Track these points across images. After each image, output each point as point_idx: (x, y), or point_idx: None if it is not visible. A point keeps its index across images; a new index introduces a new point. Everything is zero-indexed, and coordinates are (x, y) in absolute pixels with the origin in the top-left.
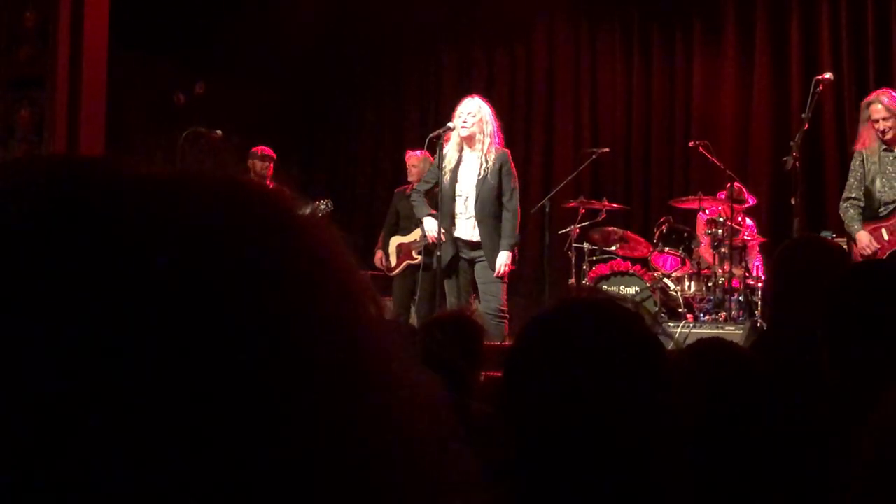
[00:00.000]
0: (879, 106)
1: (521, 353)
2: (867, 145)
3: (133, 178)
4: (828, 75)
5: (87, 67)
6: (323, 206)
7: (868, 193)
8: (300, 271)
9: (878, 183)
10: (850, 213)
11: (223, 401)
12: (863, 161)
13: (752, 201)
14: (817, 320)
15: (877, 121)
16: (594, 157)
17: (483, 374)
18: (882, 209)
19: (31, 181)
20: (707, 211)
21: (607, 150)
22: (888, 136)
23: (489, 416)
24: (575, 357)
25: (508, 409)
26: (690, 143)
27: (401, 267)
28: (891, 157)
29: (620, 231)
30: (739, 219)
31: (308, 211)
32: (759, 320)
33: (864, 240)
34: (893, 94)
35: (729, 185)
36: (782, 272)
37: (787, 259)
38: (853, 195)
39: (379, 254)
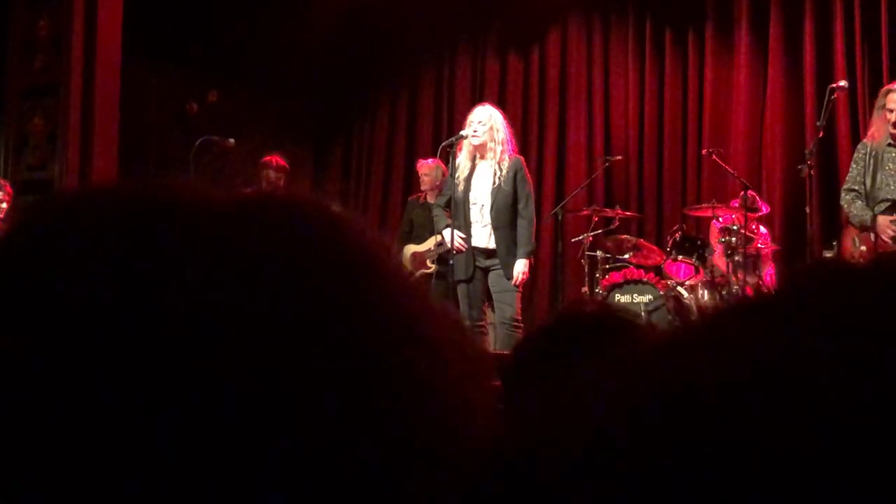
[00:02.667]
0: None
1: (517, 367)
2: (877, 138)
3: (201, 213)
4: (842, 83)
5: (100, 76)
6: None
7: (866, 189)
8: (363, 293)
9: (877, 179)
10: (857, 203)
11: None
12: (866, 153)
13: (765, 209)
14: None
15: (891, 110)
16: (607, 164)
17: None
18: (877, 207)
19: (107, 220)
20: (721, 219)
21: (620, 157)
22: (893, 129)
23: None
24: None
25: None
26: (704, 151)
27: (415, 276)
28: (892, 154)
29: (634, 239)
30: (753, 227)
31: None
32: None
33: (884, 224)
34: None
35: (742, 193)
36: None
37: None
38: (857, 187)
39: None
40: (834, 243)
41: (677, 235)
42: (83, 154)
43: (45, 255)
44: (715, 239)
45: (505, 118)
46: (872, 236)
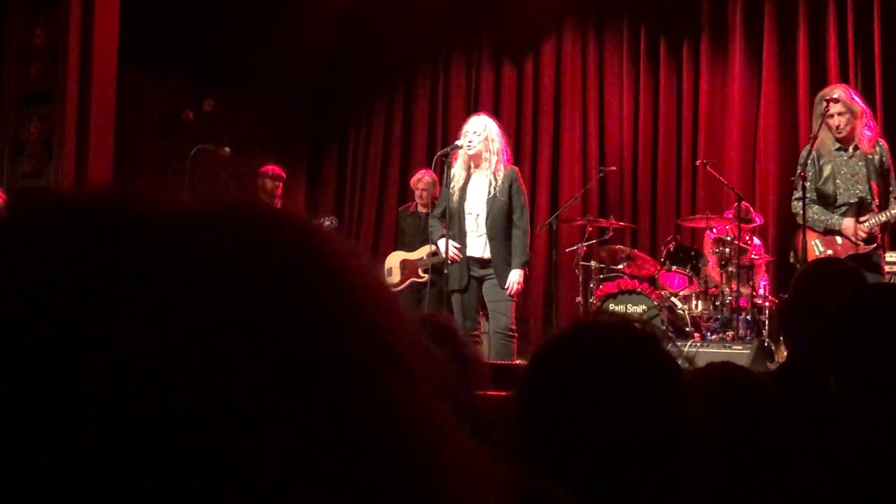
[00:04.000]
0: (838, 105)
1: (537, 375)
2: (820, 142)
3: (169, 219)
4: (836, 95)
5: (96, 84)
6: (327, 223)
7: (822, 195)
8: (332, 304)
9: (832, 185)
10: (815, 207)
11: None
12: (814, 160)
13: (758, 220)
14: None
15: (832, 115)
16: (602, 175)
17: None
18: (835, 210)
19: (65, 226)
20: (714, 230)
21: (614, 168)
22: (842, 133)
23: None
24: (592, 379)
25: (521, 430)
26: (698, 162)
27: (405, 284)
28: (845, 158)
29: (628, 249)
30: (746, 238)
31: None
32: (767, 340)
33: (852, 226)
34: (851, 90)
35: (736, 204)
36: (798, 296)
37: (804, 283)
38: (809, 194)
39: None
40: (791, 251)
41: (671, 246)
42: (79, 162)
43: None
44: (709, 250)
45: (500, 128)
46: (838, 239)
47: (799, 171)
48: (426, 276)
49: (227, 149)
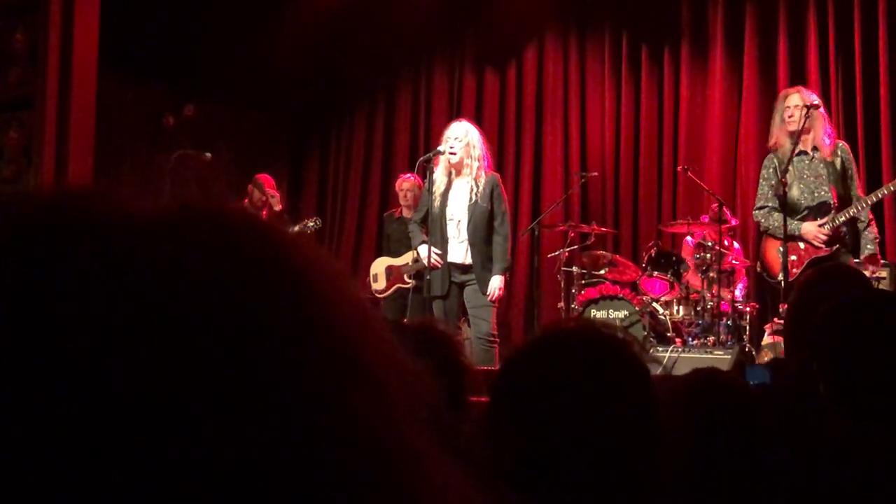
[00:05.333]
0: (796, 96)
1: (508, 380)
2: (777, 145)
3: (118, 220)
4: (815, 101)
5: (76, 90)
6: (311, 224)
7: (783, 200)
8: (292, 305)
9: (795, 190)
10: (774, 215)
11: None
12: (776, 168)
13: (734, 221)
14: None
15: (787, 107)
16: (583, 180)
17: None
18: (798, 216)
19: (11, 224)
20: (692, 234)
21: (596, 174)
22: (791, 126)
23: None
24: (561, 384)
25: (495, 435)
26: (679, 168)
27: (391, 290)
28: (806, 162)
29: (609, 255)
30: (725, 242)
31: (296, 229)
32: (748, 345)
33: (813, 230)
34: (812, 94)
35: (715, 205)
36: (798, 303)
37: (808, 288)
38: (770, 204)
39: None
40: (758, 260)
41: (653, 251)
42: (58, 168)
43: None
44: (689, 255)
45: (481, 134)
46: (801, 244)
47: (772, 181)
48: (412, 282)
49: (208, 154)
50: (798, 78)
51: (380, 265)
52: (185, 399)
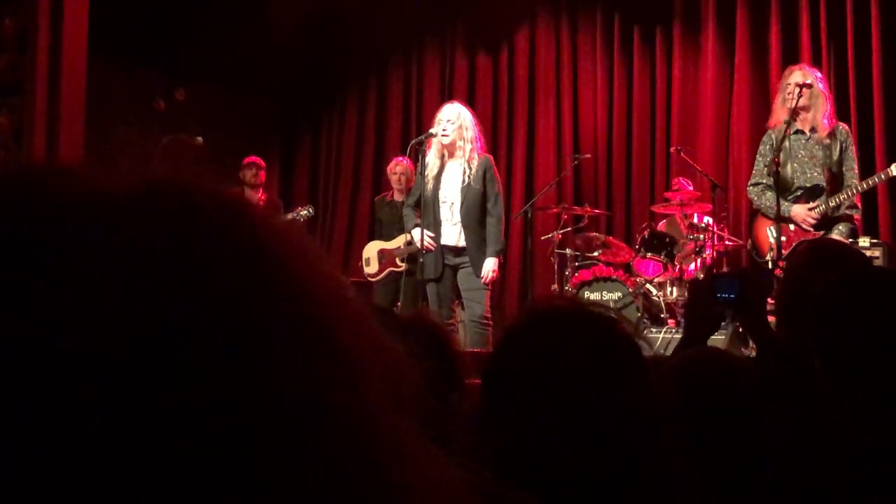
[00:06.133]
0: (798, 73)
1: (500, 361)
2: (777, 123)
3: (83, 195)
4: (808, 81)
5: (66, 74)
6: (304, 213)
7: (776, 178)
8: (257, 284)
9: (788, 168)
10: (767, 194)
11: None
12: (772, 145)
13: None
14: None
15: (789, 84)
16: (576, 162)
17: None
18: (791, 196)
19: None
20: (688, 215)
21: (589, 155)
22: (789, 102)
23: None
24: (552, 364)
25: (486, 417)
26: (672, 149)
27: (383, 273)
28: (802, 141)
29: (603, 237)
30: (709, 220)
31: (288, 217)
32: (741, 325)
33: (802, 212)
34: (818, 74)
35: (710, 186)
36: (795, 279)
37: (803, 265)
38: (763, 180)
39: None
40: (749, 238)
41: (646, 233)
42: (49, 153)
43: None
44: (682, 235)
45: (474, 116)
46: (791, 226)
47: (768, 158)
48: (404, 266)
49: (199, 138)
50: (790, 59)
51: (372, 249)
52: (144, 386)
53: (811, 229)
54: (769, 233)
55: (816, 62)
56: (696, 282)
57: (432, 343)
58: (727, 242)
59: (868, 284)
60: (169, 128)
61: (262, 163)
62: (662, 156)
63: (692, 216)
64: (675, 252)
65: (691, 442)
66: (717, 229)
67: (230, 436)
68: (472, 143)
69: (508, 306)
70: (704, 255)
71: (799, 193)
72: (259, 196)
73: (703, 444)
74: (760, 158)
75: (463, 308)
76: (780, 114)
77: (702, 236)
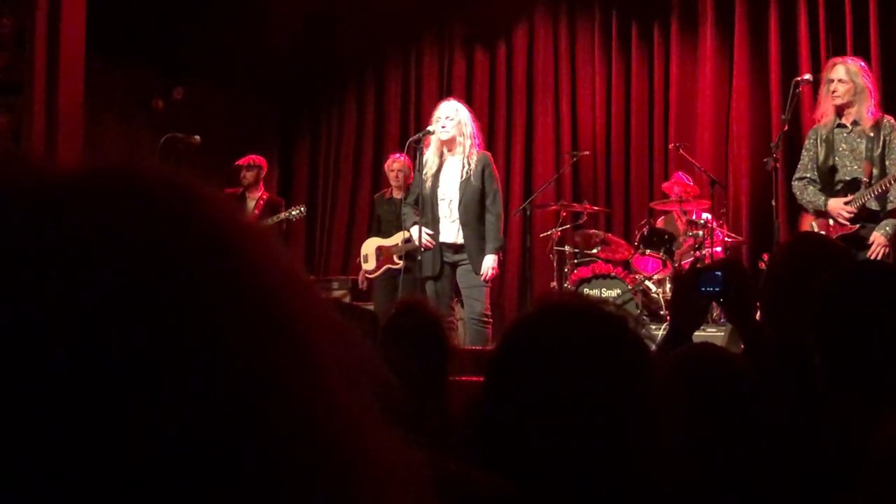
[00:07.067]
0: (841, 68)
1: (505, 358)
2: (826, 117)
3: (23, 183)
4: (807, 77)
5: (64, 73)
6: (295, 213)
7: (822, 173)
8: (204, 266)
9: (831, 161)
10: (809, 189)
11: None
12: (817, 139)
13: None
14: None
15: (832, 80)
16: (575, 159)
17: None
18: (833, 188)
19: None
20: (688, 212)
21: (588, 152)
22: (837, 100)
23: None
24: (559, 360)
25: (490, 413)
26: (670, 145)
27: (381, 270)
28: (844, 134)
29: (602, 234)
30: (708, 216)
31: (281, 216)
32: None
33: (837, 207)
34: (863, 64)
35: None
36: (778, 271)
37: (785, 257)
38: (808, 174)
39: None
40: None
41: (645, 230)
42: (47, 152)
43: None
44: (680, 232)
45: (471, 113)
46: (830, 220)
47: (811, 152)
48: (401, 263)
49: (196, 137)
50: (789, 55)
51: (370, 246)
52: (83, 371)
53: (847, 223)
54: (812, 227)
55: (815, 57)
56: (680, 276)
57: (425, 333)
58: (726, 239)
59: (867, 280)
60: (167, 127)
61: (263, 161)
62: (661, 152)
63: (691, 213)
64: (674, 249)
65: (690, 437)
66: (717, 226)
67: (182, 415)
68: (470, 139)
69: (508, 304)
70: (703, 252)
71: (839, 187)
72: (260, 195)
73: (701, 439)
74: (805, 153)
75: (462, 306)
76: (825, 105)
77: (700, 233)
